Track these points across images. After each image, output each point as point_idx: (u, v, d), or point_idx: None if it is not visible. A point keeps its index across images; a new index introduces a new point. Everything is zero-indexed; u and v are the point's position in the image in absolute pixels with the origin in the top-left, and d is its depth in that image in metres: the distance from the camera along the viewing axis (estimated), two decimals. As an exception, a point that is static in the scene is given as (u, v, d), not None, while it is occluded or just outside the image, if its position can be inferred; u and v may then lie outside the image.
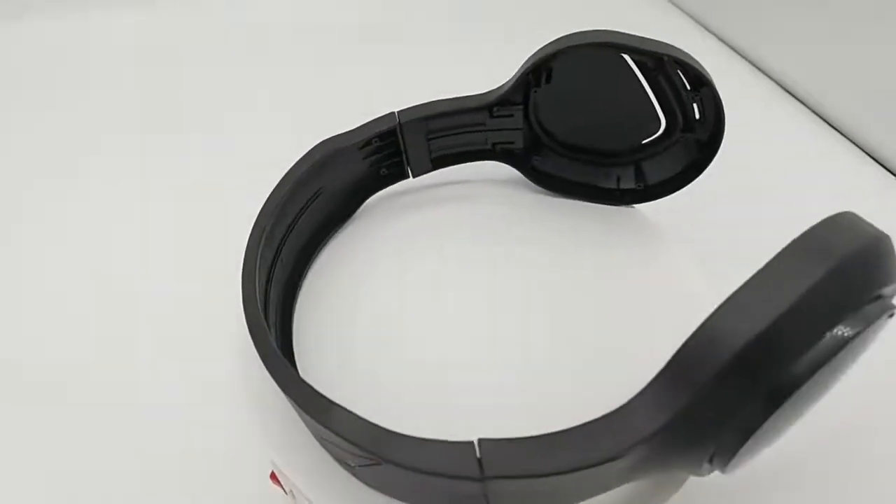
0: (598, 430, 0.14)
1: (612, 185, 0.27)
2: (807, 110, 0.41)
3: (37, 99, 0.42)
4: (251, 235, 0.20)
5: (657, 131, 0.26)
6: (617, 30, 0.23)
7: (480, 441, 0.14)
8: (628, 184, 0.27)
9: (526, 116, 0.26)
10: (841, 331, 0.13)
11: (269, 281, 0.21)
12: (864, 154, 0.39)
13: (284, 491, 0.21)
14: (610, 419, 0.14)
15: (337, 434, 0.15)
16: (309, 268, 0.24)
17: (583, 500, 0.16)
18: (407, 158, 0.26)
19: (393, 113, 0.25)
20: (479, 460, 0.14)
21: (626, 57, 0.24)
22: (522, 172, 0.27)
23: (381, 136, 0.25)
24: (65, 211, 0.33)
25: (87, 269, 0.30)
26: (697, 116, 0.24)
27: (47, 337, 0.27)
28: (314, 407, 0.15)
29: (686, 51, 0.23)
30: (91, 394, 0.25)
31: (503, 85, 0.25)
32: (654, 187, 0.26)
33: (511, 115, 0.25)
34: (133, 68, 0.47)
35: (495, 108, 0.25)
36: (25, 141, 0.38)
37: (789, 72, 0.43)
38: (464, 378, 0.20)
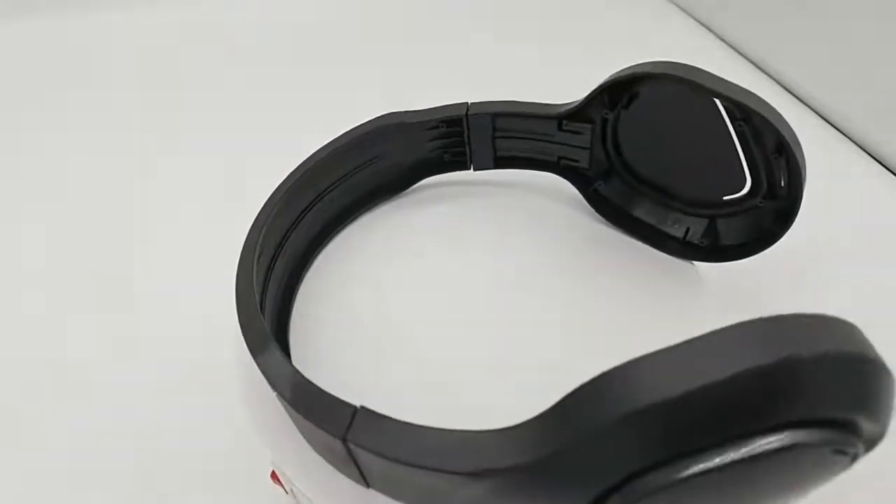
0: (465, 442, 0.14)
1: (678, 234, 0.25)
2: (814, 114, 0.39)
3: (34, 99, 0.41)
4: (267, 203, 0.21)
5: (741, 190, 0.23)
6: (709, 72, 0.21)
7: (362, 407, 0.15)
8: (695, 237, 0.24)
9: (597, 137, 0.24)
10: (760, 443, 0.11)
11: (276, 255, 0.22)
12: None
13: (285, 490, 0.21)
14: (485, 437, 0.14)
15: (269, 382, 0.16)
16: (331, 238, 0.25)
17: None
18: (470, 150, 0.26)
19: (465, 103, 0.25)
20: (350, 423, 0.14)
21: (718, 102, 0.21)
22: (582, 194, 0.26)
23: (447, 121, 0.25)
24: (64, 211, 0.31)
25: (86, 269, 0.29)
26: (782, 184, 0.21)
27: (45, 337, 0.26)
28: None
29: (779, 112, 0.20)
30: (90, 394, 0.24)
31: (578, 100, 0.24)
32: (722, 249, 0.24)
33: (579, 133, 0.24)
34: (132, 68, 0.45)
35: (564, 122, 0.24)
36: (22, 140, 0.36)
37: (792, 73, 0.41)
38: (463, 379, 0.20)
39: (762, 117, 0.19)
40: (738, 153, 0.22)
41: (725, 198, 0.23)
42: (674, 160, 0.24)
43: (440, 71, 0.42)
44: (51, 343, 0.25)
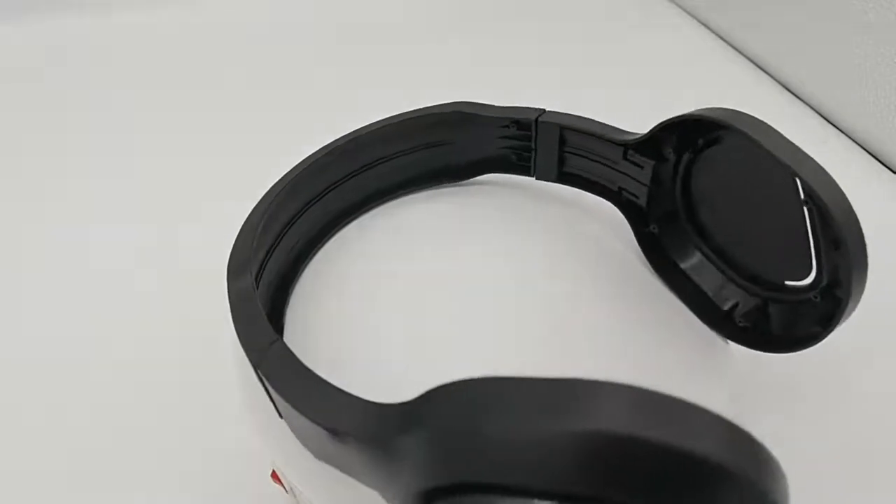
0: (342, 403, 0.14)
1: (724, 306, 0.22)
2: (814, 113, 0.38)
3: (31, 98, 0.40)
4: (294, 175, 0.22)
5: (805, 279, 0.20)
6: (785, 138, 0.18)
7: (280, 341, 0.16)
8: (739, 314, 0.21)
9: (662, 176, 0.22)
10: None
11: (294, 219, 0.23)
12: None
13: (285, 489, 0.21)
14: (361, 404, 0.14)
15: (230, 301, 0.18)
16: (366, 212, 0.26)
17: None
18: (535, 158, 0.26)
19: (540, 109, 0.25)
20: (265, 350, 0.16)
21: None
22: (634, 233, 0.24)
23: (517, 123, 0.25)
24: (64, 211, 0.31)
25: (87, 268, 0.28)
26: (840, 282, 0.18)
27: (43, 337, 0.25)
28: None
29: (846, 201, 0.16)
30: (89, 394, 0.24)
31: (646, 131, 0.22)
32: (765, 336, 0.21)
33: (642, 167, 0.22)
34: (132, 67, 0.44)
35: (629, 151, 0.22)
36: (22, 141, 0.36)
37: (791, 71, 0.40)
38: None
39: (824, 203, 0.16)
40: (808, 240, 0.19)
41: (788, 283, 0.20)
42: (744, 224, 0.21)
43: (439, 71, 0.40)
44: (47, 343, 0.25)
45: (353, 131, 0.24)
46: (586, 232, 0.25)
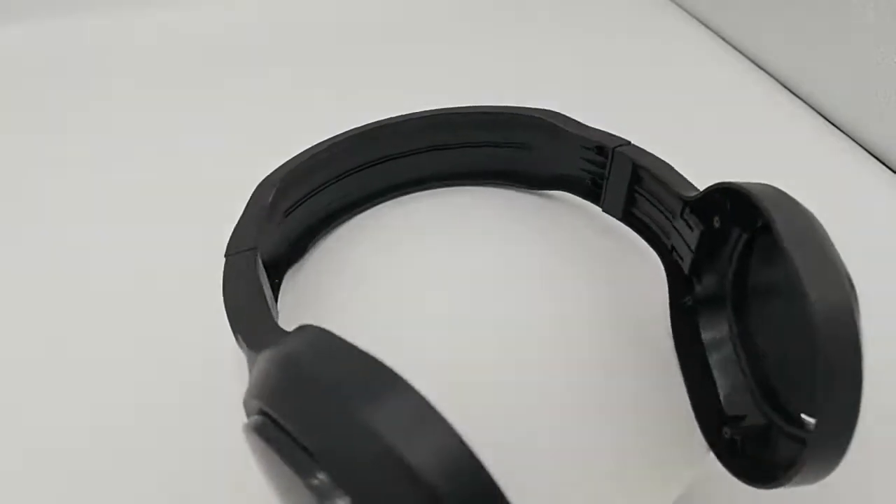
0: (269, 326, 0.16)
1: (729, 412, 0.19)
2: (813, 111, 0.37)
3: (28, 97, 0.39)
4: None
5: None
6: (827, 252, 0.14)
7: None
8: (738, 427, 0.18)
9: (710, 246, 0.20)
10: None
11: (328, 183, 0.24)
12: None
13: None
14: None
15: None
16: (410, 193, 0.26)
17: None
18: (606, 188, 0.24)
19: (623, 140, 0.23)
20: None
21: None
22: (670, 300, 0.21)
23: (597, 148, 0.24)
24: (64, 210, 0.30)
25: (86, 268, 0.27)
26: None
27: (40, 337, 0.24)
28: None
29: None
30: (88, 394, 0.23)
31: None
32: (749, 460, 0.18)
33: (692, 230, 0.20)
34: (130, 67, 0.42)
35: (686, 208, 0.20)
36: (21, 141, 0.35)
37: (793, 72, 0.38)
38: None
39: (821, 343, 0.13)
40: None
41: (796, 413, 0.17)
42: (785, 333, 0.18)
43: (440, 72, 0.39)
44: (44, 343, 0.24)
45: (430, 111, 0.25)
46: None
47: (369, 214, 0.26)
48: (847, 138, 0.34)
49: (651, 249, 0.23)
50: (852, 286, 0.14)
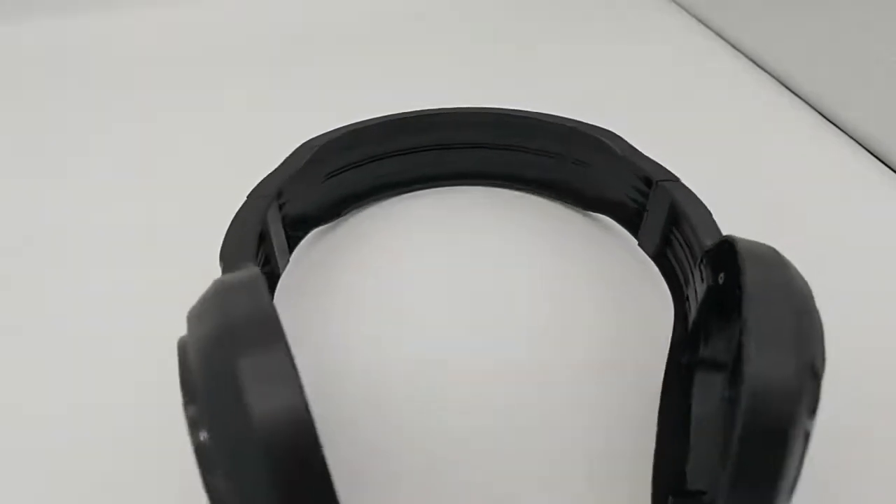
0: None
1: (690, 486, 0.17)
2: (812, 110, 0.36)
3: (26, 97, 0.39)
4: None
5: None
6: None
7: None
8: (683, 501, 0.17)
9: (710, 301, 0.18)
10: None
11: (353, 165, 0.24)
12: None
13: None
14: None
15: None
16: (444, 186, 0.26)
17: None
18: (644, 220, 0.23)
19: (670, 174, 0.22)
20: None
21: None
22: (671, 349, 0.20)
23: (643, 178, 0.22)
24: (65, 211, 0.30)
25: (87, 269, 0.27)
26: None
27: (39, 338, 0.24)
28: None
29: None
30: (88, 394, 0.22)
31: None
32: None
33: (703, 281, 0.18)
34: (131, 67, 0.41)
35: (703, 260, 0.18)
36: (21, 141, 0.35)
37: (793, 71, 0.38)
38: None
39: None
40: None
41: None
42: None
43: (439, 71, 0.39)
44: (43, 343, 0.24)
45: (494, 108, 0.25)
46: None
47: (408, 198, 0.27)
48: (847, 138, 0.33)
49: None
50: (817, 368, 0.12)
